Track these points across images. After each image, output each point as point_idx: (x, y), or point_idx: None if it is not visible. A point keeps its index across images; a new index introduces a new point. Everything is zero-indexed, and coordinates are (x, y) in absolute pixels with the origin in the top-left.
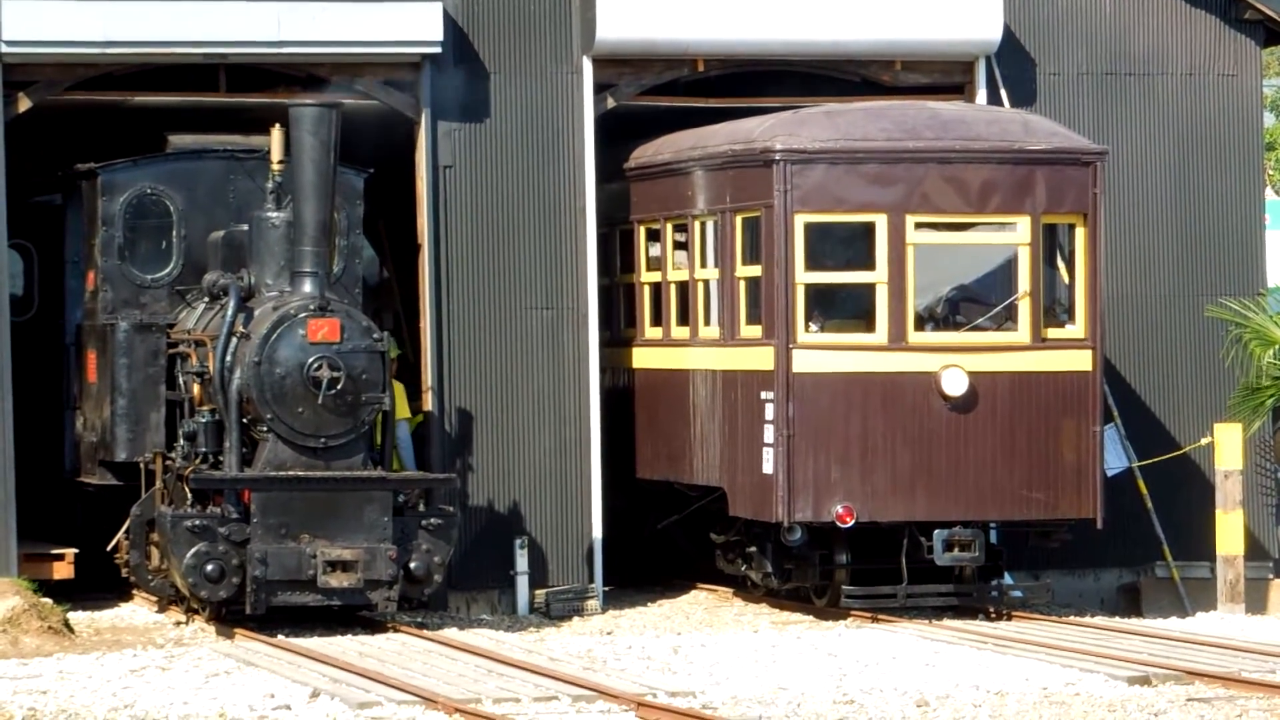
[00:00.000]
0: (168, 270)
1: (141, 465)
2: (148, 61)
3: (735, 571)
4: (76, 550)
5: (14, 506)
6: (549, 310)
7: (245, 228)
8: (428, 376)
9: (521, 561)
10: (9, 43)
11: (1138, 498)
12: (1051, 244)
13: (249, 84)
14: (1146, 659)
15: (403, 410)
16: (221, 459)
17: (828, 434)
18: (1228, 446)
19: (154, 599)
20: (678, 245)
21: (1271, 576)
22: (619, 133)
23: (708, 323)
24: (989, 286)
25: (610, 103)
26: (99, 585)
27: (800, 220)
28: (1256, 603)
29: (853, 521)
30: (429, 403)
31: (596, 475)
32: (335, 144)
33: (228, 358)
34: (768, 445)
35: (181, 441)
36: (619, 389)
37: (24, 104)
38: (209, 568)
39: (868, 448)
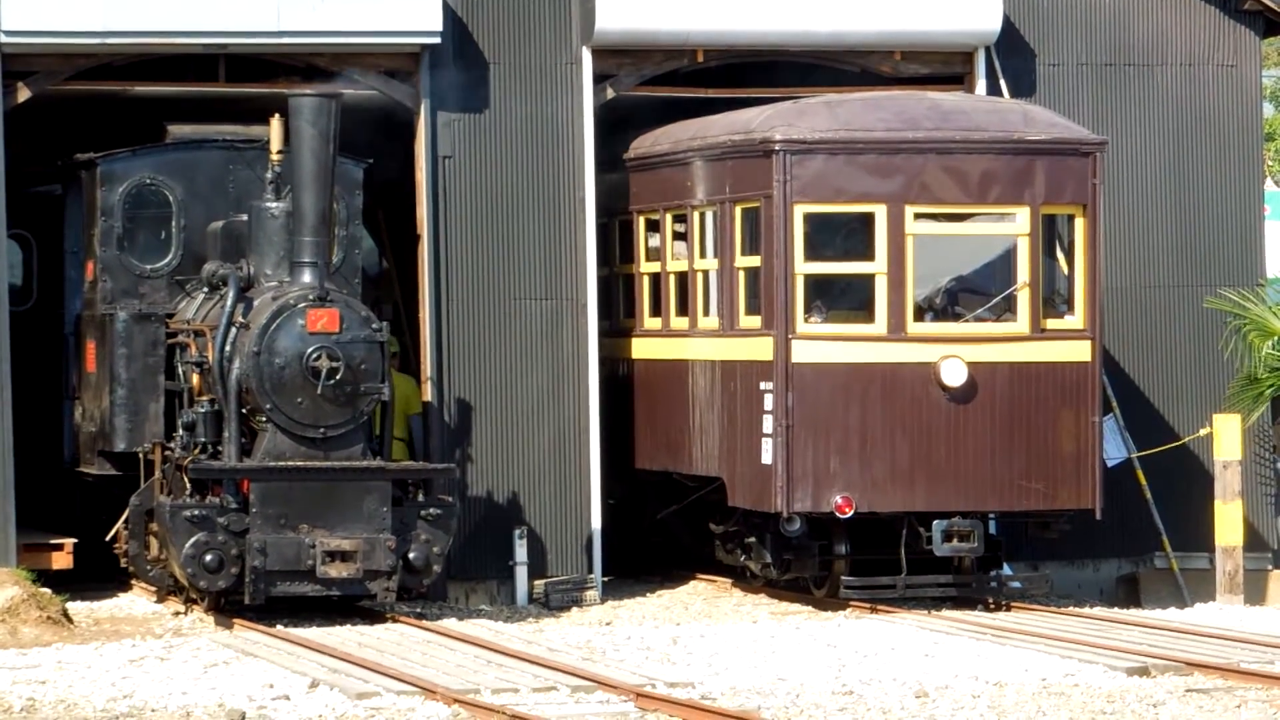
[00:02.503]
0: (167, 260)
1: (140, 455)
2: (147, 51)
3: (734, 562)
4: (75, 540)
5: (13, 496)
6: (548, 301)
7: (244, 218)
8: (427, 367)
9: (520, 552)
10: (8, 33)
11: (1137, 488)
12: (1051, 235)
13: (248, 74)
14: (1145, 650)
15: (417, 405)
16: (220, 449)
17: (827, 424)
18: (1227, 437)
19: (153, 589)
20: (677, 236)
21: (1270, 568)
22: (618, 123)
23: (707, 313)
24: (988, 277)
25: (610, 93)
26: (98, 575)
27: (799, 210)
28: (1255, 594)
29: (852, 512)
30: (428, 393)
31: (595, 466)
32: (335, 134)
33: (227, 348)
34: (767, 435)
35: (180, 431)
36: (618, 379)
37: (23, 94)
38: (208, 558)
39: (867, 438)
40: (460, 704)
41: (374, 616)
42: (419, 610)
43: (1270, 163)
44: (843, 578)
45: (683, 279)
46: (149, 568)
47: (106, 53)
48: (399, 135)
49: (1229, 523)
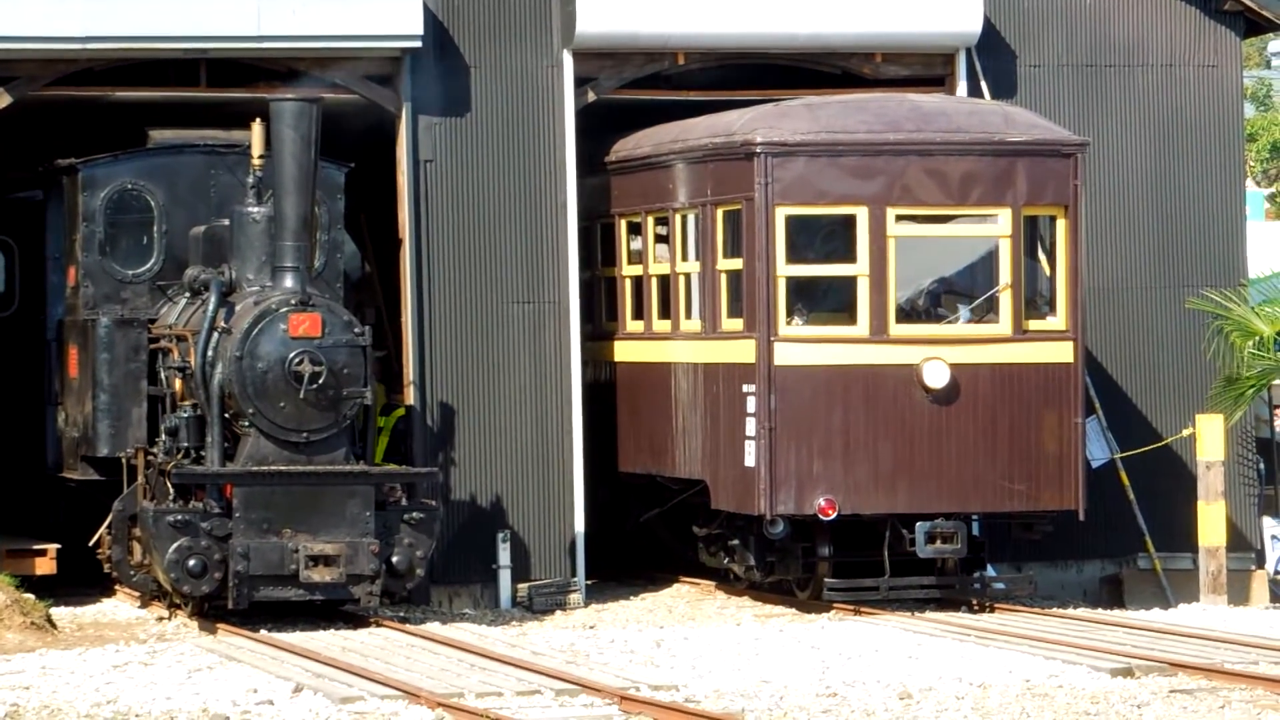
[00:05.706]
0: (149, 265)
1: (123, 460)
2: (128, 57)
3: (718, 565)
4: (59, 546)
5: None
6: (530, 304)
7: (226, 223)
8: (409, 371)
9: (504, 555)
10: None
11: (1120, 489)
12: (1033, 236)
13: (229, 79)
14: (1129, 651)
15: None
16: (203, 454)
17: (809, 427)
18: (1209, 437)
19: (136, 594)
20: (659, 238)
21: (1254, 568)
22: (600, 126)
23: (689, 316)
24: (970, 279)
25: (591, 96)
26: (81, 581)
27: (781, 213)
28: (1239, 594)
29: (835, 514)
30: (411, 397)
31: (579, 469)
32: (316, 138)
33: (209, 353)
34: (750, 438)
35: (163, 436)
36: (601, 382)
37: (4, 99)
38: (191, 563)
39: (850, 440)
40: (444, 708)
41: (357, 621)
42: (402, 614)
43: (1251, 163)
44: (826, 580)
45: (665, 282)
46: (132, 573)
47: (87, 58)
48: (381, 139)
49: (1212, 523)
